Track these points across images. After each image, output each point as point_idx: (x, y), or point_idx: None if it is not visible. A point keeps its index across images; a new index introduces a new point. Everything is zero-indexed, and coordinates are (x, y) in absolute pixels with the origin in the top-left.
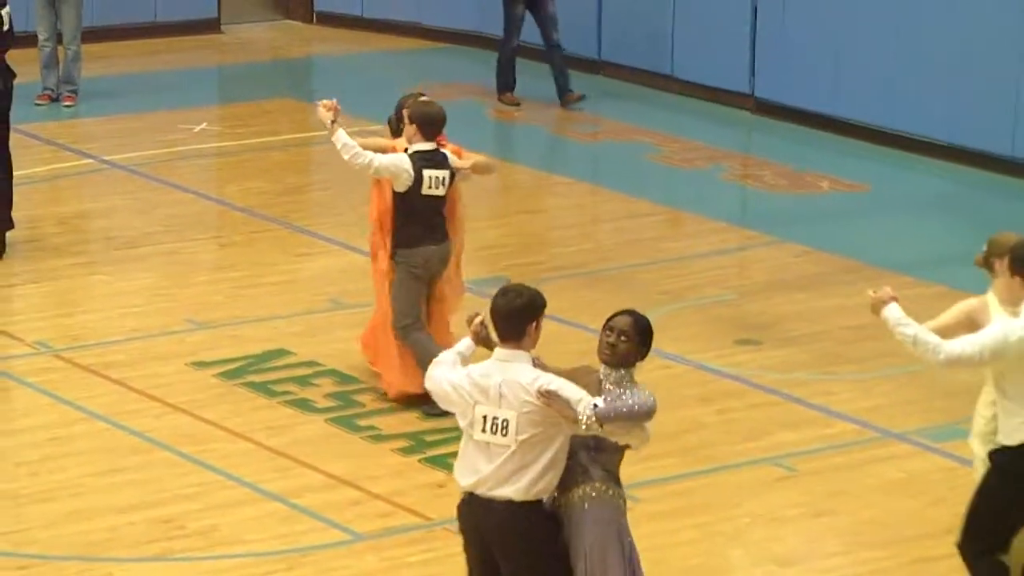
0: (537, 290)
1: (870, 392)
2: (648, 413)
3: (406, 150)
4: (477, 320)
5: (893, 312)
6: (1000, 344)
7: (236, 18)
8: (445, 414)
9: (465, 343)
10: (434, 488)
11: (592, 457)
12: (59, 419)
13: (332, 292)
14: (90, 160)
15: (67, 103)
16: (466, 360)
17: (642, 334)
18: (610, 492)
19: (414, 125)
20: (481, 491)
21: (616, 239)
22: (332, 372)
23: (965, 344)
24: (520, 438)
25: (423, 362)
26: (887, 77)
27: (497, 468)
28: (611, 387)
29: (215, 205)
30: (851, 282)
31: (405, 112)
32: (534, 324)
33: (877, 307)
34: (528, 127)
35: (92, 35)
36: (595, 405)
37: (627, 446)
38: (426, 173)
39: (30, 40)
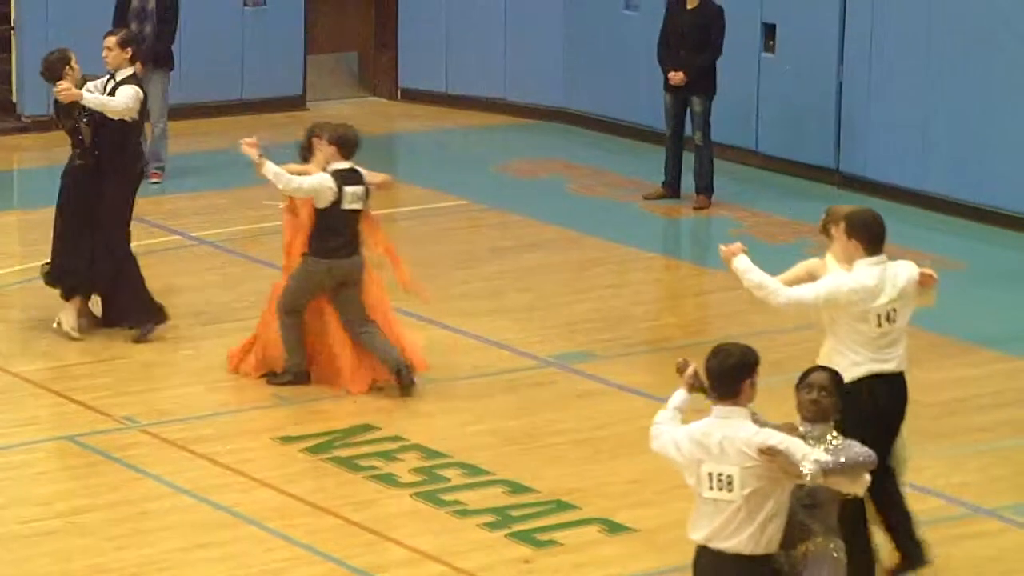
0: (749, 347)
1: (960, 467)
2: (868, 463)
3: (324, 170)
4: (690, 371)
5: (742, 262)
6: (833, 292)
7: (321, 95)
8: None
9: (680, 396)
10: (519, 564)
11: (810, 513)
12: (146, 494)
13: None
14: (177, 236)
15: (154, 179)
16: (684, 412)
17: (839, 387)
18: (831, 546)
19: (333, 147)
20: (712, 545)
21: (701, 313)
22: (417, 447)
23: (803, 290)
24: (745, 492)
25: (286, 344)
26: (974, 151)
27: (724, 522)
28: (813, 442)
29: None
30: (941, 358)
31: (321, 137)
32: (749, 381)
33: (728, 258)
34: (610, 202)
35: (179, 112)
36: (817, 460)
37: (848, 494)
38: (346, 189)
39: None
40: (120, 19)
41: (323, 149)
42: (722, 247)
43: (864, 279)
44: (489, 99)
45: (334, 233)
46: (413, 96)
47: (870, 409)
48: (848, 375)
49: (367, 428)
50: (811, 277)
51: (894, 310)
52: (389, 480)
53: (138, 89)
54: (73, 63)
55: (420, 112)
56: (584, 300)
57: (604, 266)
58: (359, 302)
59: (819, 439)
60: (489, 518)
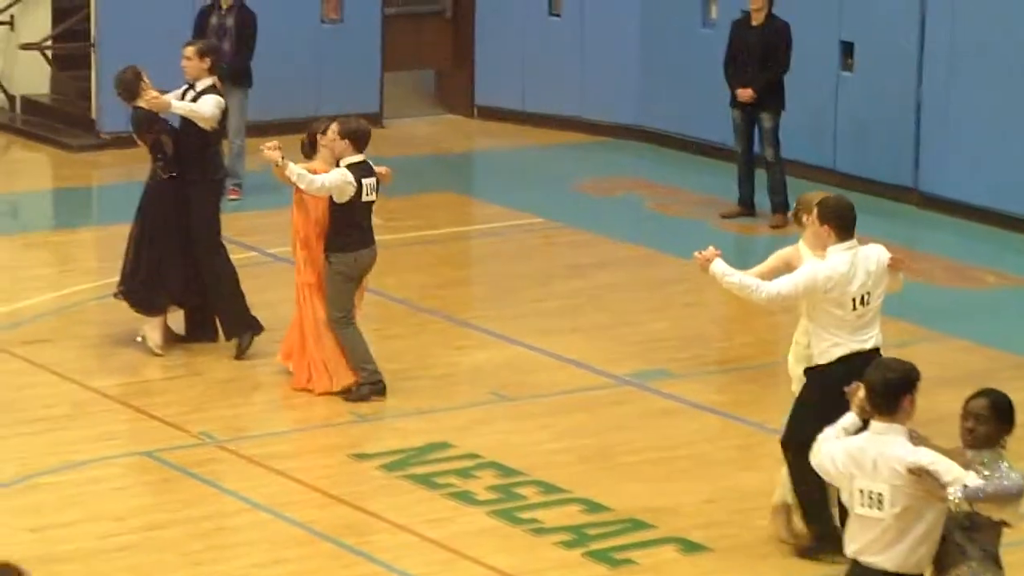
0: (911, 364)
1: None
2: (1019, 493)
3: (337, 164)
4: (861, 394)
5: (719, 266)
6: (811, 281)
7: (398, 112)
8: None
9: (849, 418)
10: None
11: (968, 536)
12: (223, 509)
13: (493, 384)
14: (254, 253)
15: (232, 196)
16: (850, 434)
17: (1001, 413)
18: (988, 575)
19: (346, 140)
20: (862, 559)
21: (776, 333)
22: (493, 464)
23: (782, 284)
24: (894, 511)
25: (352, 353)
26: None
27: (874, 539)
28: (981, 467)
29: (376, 297)
30: (1018, 378)
31: (331, 131)
32: (908, 398)
33: (704, 265)
34: (687, 220)
35: (256, 129)
36: (965, 485)
37: (1003, 523)
38: (364, 182)
39: None
40: (199, 37)
41: (335, 144)
42: (696, 254)
43: (838, 265)
44: (565, 117)
45: (355, 227)
46: (489, 114)
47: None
48: (827, 357)
49: (443, 446)
50: (787, 266)
51: (868, 293)
52: (465, 498)
53: (220, 98)
54: (146, 78)
55: (496, 130)
56: (660, 319)
57: (680, 284)
58: (355, 296)
59: (989, 464)
60: (565, 536)
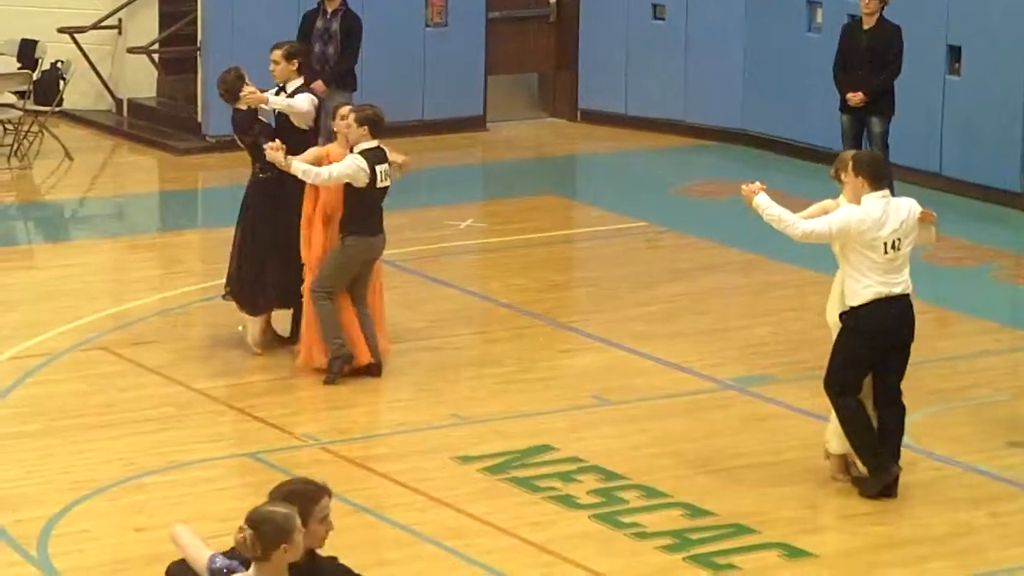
0: None
1: None
2: None
3: (351, 150)
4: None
5: (762, 199)
6: (844, 222)
7: (501, 116)
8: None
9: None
10: None
11: None
12: None
13: (595, 388)
14: None
15: None
16: None
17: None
18: None
19: (364, 127)
20: None
21: None
22: (596, 468)
23: (817, 222)
24: None
25: (324, 325)
26: None
27: None
28: None
29: (480, 301)
30: None
31: (348, 118)
32: None
33: (749, 196)
34: None
35: None
36: None
37: None
38: (377, 168)
39: None
40: (304, 40)
41: (351, 130)
42: (743, 186)
43: (871, 211)
44: (668, 120)
45: (370, 212)
46: (593, 117)
47: (878, 330)
48: (858, 299)
49: (545, 449)
50: (824, 213)
51: (899, 239)
52: (567, 501)
53: (314, 96)
54: (248, 79)
55: (599, 133)
56: (763, 323)
57: (784, 289)
58: (368, 281)
59: None
60: (668, 541)
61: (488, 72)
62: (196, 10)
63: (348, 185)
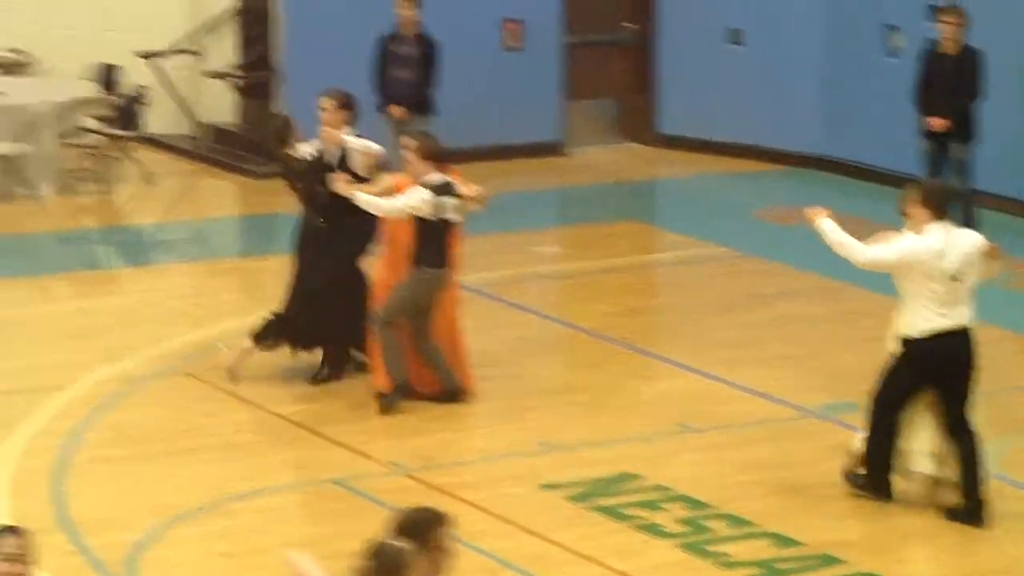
0: None
1: None
2: None
3: (417, 183)
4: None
5: (826, 223)
6: (906, 251)
7: (580, 141)
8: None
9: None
10: None
11: None
12: None
13: (679, 415)
14: None
15: None
16: None
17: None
18: None
19: (428, 161)
20: None
21: None
22: (682, 497)
23: (880, 249)
24: None
25: (385, 353)
26: None
27: None
28: None
29: (560, 327)
30: None
31: (411, 154)
32: None
33: (812, 219)
34: None
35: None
36: None
37: None
38: (443, 200)
39: None
40: (383, 66)
41: (416, 165)
42: (807, 210)
43: (932, 241)
44: (747, 145)
45: (437, 245)
46: (671, 142)
47: (933, 363)
48: (915, 330)
49: (631, 477)
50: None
51: (959, 271)
52: (654, 530)
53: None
54: (295, 126)
55: (678, 158)
56: (846, 351)
57: (868, 317)
58: (431, 316)
59: None
60: (755, 571)
61: (566, 97)
62: (275, 35)
63: (416, 218)
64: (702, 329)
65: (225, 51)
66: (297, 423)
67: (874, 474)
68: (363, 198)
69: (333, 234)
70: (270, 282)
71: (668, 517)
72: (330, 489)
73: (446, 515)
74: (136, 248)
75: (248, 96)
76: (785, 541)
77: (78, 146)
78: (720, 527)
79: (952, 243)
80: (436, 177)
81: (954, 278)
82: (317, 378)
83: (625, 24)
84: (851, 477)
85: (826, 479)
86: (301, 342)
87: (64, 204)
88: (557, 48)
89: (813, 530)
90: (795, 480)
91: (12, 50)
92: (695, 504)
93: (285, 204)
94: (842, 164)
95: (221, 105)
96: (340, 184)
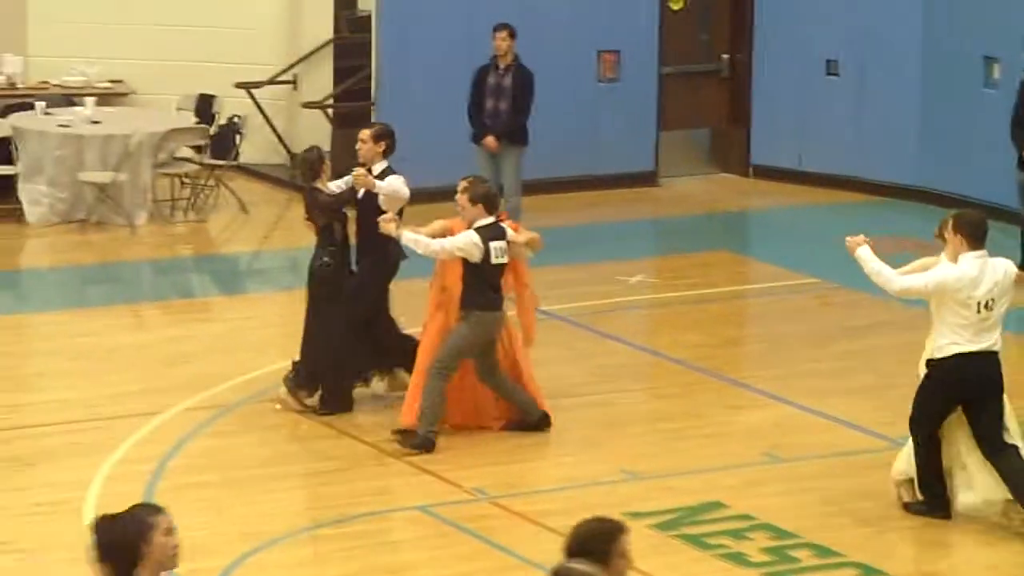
0: None
1: None
2: None
3: (469, 227)
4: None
5: (864, 252)
6: (941, 281)
7: (673, 171)
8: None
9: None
10: None
11: None
12: (497, 565)
13: (767, 445)
14: None
15: None
16: None
17: None
18: None
19: (479, 205)
20: None
21: None
22: (767, 526)
23: (915, 279)
24: None
25: (430, 408)
26: None
27: None
28: None
29: (650, 356)
30: None
31: (461, 198)
32: None
33: (852, 248)
34: None
35: (531, 187)
36: None
37: None
38: (492, 245)
39: None
40: (477, 96)
41: (467, 210)
42: (848, 238)
43: (968, 270)
44: (842, 176)
45: (489, 287)
46: (765, 172)
47: (956, 381)
48: (941, 353)
49: (716, 506)
50: (924, 270)
51: (992, 299)
52: (739, 559)
53: (403, 177)
54: (327, 160)
55: (772, 189)
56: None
57: None
58: (494, 356)
59: None
60: None
61: (660, 127)
62: (370, 66)
63: (465, 261)
64: (792, 359)
65: (321, 82)
66: (383, 450)
67: (929, 497)
68: (410, 237)
69: (340, 274)
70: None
71: (753, 546)
72: (416, 516)
73: (624, 524)
74: (230, 277)
75: (343, 126)
76: (871, 572)
77: (174, 175)
78: (806, 556)
79: (986, 272)
80: (487, 221)
81: (987, 306)
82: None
83: (722, 55)
84: (910, 506)
85: None
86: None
87: (159, 233)
88: (653, 79)
89: (900, 560)
90: (883, 510)
91: (111, 80)
92: (780, 533)
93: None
94: (937, 195)
95: (316, 135)
96: (386, 224)
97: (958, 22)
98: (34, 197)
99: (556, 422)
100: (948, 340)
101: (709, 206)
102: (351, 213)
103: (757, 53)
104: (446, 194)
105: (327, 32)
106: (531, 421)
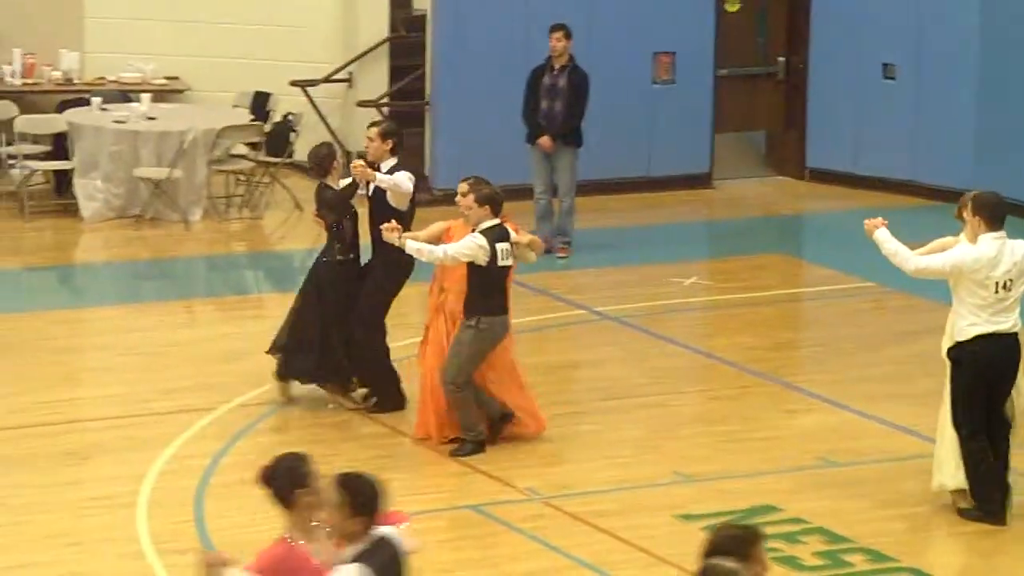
0: None
1: None
2: None
3: (473, 229)
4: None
5: (882, 233)
6: (959, 260)
7: (728, 173)
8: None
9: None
10: None
11: None
12: (548, 565)
13: (821, 449)
14: (581, 311)
15: (560, 255)
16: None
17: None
18: None
19: (486, 207)
20: None
21: None
22: (820, 530)
23: (932, 259)
24: None
25: (465, 417)
26: None
27: None
28: None
29: (704, 358)
30: None
31: (468, 199)
32: None
33: (871, 230)
34: None
35: (585, 188)
36: None
37: None
38: (498, 246)
39: (526, 192)
40: (532, 96)
41: (472, 211)
42: (866, 221)
43: (986, 250)
44: (898, 180)
45: (497, 290)
46: (820, 176)
47: (983, 363)
48: (965, 334)
49: (769, 509)
50: (942, 250)
51: (1011, 280)
52: (791, 563)
53: (411, 176)
54: (339, 157)
55: (827, 192)
56: None
57: None
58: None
59: None
60: None
61: (715, 129)
62: (425, 65)
63: (471, 265)
64: (847, 363)
65: (376, 80)
66: (436, 449)
67: (982, 502)
68: (413, 246)
69: (357, 269)
70: (412, 310)
71: (806, 550)
72: (468, 515)
73: (762, 531)
74: (284, 274)
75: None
76: None
77: (228, 172)
78: (859, 561)
79: (1005, 252)
80: (492, 223)
81: (1005, 286)
82: (367, 407)
83: (778, 58)
84: (965, 512)
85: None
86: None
87: (213, 229)
88: (709, 81)
89: (954, 567)
90: (936, 516)
91: (167, 77)
92: (834, 538)
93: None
94: None
95: None
96: (388, 233)
97: (1017, 26)
98: (89, 192)
99: (609, 423)
100: (968, 322)
101: (764, 209)
102: (363, 210)
103: (813, 56)
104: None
105: (383, 31)
106: (493, 418)
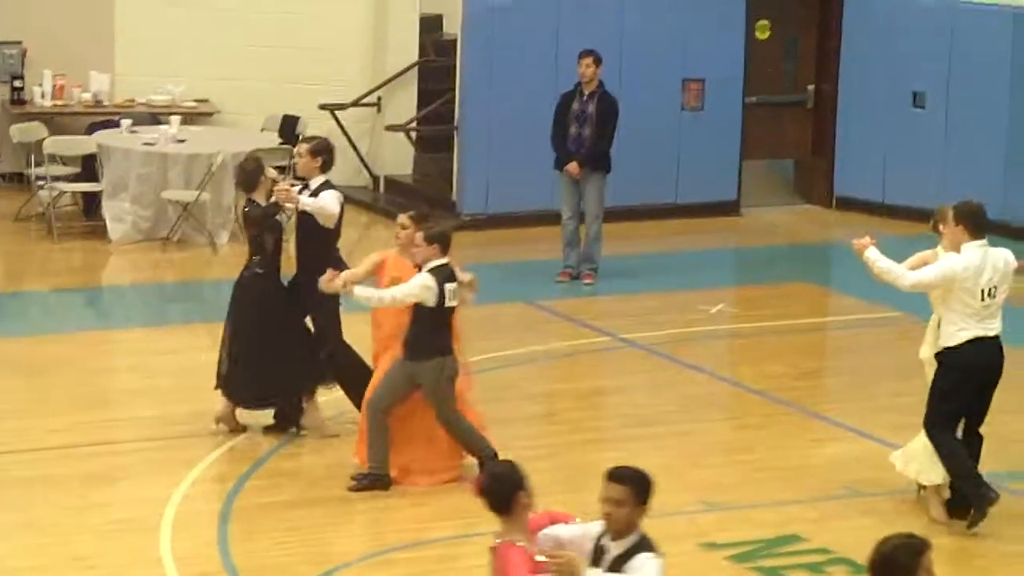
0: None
1: None
2: None
3: (419, 268)
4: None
5: (872, 252)
6: (948, 271)
7: (755, 201)
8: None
9: None
10: None
11: None
12: None
13: (847, 479)
14: (607, 337)
15: (587, 281)
16: None
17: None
18: None
19: (435, 245)
20: None
21: None
22: (845, 560)
23: (923, 273)
24: None
25: (472, 444)
26: None
27: None
28: None
29: (730, 387)
30: None
31: (417, 237)
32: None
33: (860, 250)
34: None
35: (613, 215)
36: None
37: None
38: (447, 287)
39: (553, 218)
40: (560, 121)
41: (421, 249)
42: (854, 240)
43: (971, 259)
44: (926, 209)
45: (446, 329)
46: (848, 204)
47: (971, 365)
48: (954, 340)
49: (794, 539)
50: (924, 264)
51: (995, 287)
52: None
53: (339, 193)
54: (268, 172)
55: (855, 220)
56: (1018, 418)
57: None
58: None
59: None
60: None
61: (744, 157)
62: (454, 89)
63: (417, 307)
64: (873, 393)
65: (405, 105)
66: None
67: (974, 496)
68: (361, 292)
69: (274, 282)
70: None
71: None
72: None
73: (929, 541)
74: None
75: (426, 150)
76: None
77: None
78: None
79: (988, 260)
80: (440, 262)
81: (990, 293)
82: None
83: (808, 86)
84: (950, 503)
85: (1000, 549)
86: (246, 403)
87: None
88: (738, 108)
89: None
90: (964, 546)
91: (196, 99)
92: (859, 568)
93: (460, 257)
94: (1011, 228)
95: (399, 158)
96: (329, 284)
97: None
98: (117, 214)
99: (635, 450)
100: (958, 327)
101: (791, 237)
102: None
103: (843, 84)
104: (528, 219)
105: (412, 55)
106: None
